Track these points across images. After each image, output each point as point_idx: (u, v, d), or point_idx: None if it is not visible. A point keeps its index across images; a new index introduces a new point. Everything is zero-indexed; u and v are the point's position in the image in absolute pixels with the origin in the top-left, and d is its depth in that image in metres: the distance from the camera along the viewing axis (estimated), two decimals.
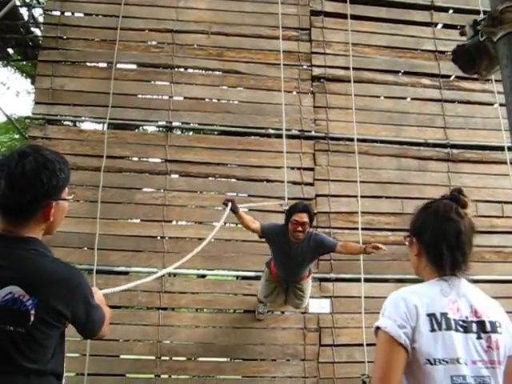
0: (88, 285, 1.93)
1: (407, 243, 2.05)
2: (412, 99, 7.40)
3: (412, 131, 7.14)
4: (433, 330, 1.71)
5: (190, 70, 7.17)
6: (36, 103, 6.66)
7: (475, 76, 2.40)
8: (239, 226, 6.83)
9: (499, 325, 1.79)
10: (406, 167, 6.99)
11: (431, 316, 1.72)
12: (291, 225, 4.75)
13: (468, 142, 7.22)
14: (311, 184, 6.73)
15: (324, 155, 6.84)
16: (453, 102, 7.42)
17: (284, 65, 6.99)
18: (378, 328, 1.76)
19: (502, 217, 6.97)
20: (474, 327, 1.75)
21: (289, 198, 6.42)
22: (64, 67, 6.78)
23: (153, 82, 7.02)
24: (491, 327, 1.76)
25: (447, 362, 1.68)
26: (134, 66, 7.09)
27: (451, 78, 7.53)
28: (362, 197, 6.60)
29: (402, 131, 7.12)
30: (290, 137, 6.82)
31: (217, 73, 7.10)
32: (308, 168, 6.77)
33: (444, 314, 1.73)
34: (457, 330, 1.72)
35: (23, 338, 1.72)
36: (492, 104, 7.40)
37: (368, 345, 5.97)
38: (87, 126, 8.23)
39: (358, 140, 6.81)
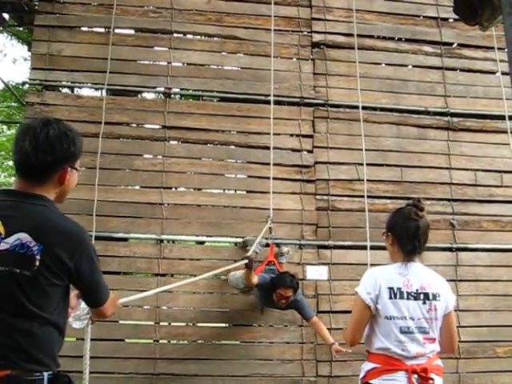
0: (92, 244, 2.08)
1: (384, 237, 3.03)
2: (413, 67, 7.33)
3: (412, 99, 7.09)
4: (390, 298, 2.73)
5: (188, 36, 7.10)
6: (33, 69, 6.57)
7: (477, 27, 2.36)
8: (238, 192, 6.85)
9: (438, 295, 2.79)
10: (405, 135, 6.95)
11: (390, 289, 2.74)
12: (275, 295, 5.16)
13: (468, 111, 7.17)
14: (310, 151, 6.71)
15: (323, 122, 6.80)
16: (454, 70, 7.35)
17: (284, 31, 6.93)
18: (356, 293, 2.83)
19: (501, 186, 6.96)
20: (422, 296, 2.76)
21: (287, 165, 6.44)
22: (61, 32, 6.68)
23: (151, 48, 6.94)
24: (433, 297, 2.77)
25: (398, 318, 2.72)
26: (132, 32, 6.99)
27: (453, 46, 7.45)
28: (361, 164, 6.59)
29: (402, 99, 7.06)
30: (289, 103, 6.78)
31: (216, 39, 7.01)
32: (307, 135, 6.74)
33: (399, 288, 2.75)
34: (408, 299, 2.73)
35: (29, 281, 1.88)
36: (494, 72, 7.34)
37: None
38: (85, 91, 8.15)
39: (357, 107, 6.77)
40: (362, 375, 2.81)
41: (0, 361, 1.84)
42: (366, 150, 6.52)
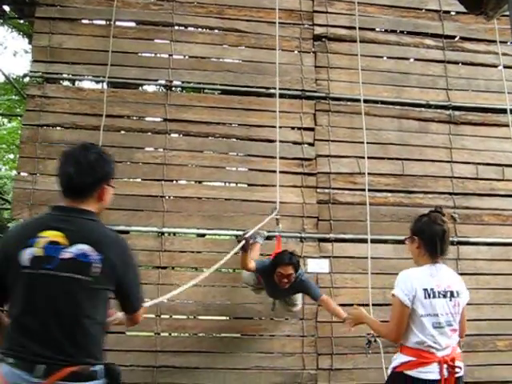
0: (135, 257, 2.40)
1: (408, 242, 3.32)
2: (415, 60, 7.30)
3: (414, 92, 7.07)
4: (425, 298, 3.07)
5: (190, 29, 7.06)
6: (34, 61, 6.55)
7: (479, 19, 2.34)
8: (239, 185, 6.84)
9: (460, 292, 3.20)
10: (407, 128, 6.94)
11: (425, 290, 3.08)
12: (276, 276, 4.98)
13: (470, 104, 7.16)
14: (311, 144, 6.70)
15: (325, 115, 6.79)
16: (456, 63, 7.32)
17: (285, 23, 6.91)
18: (393, 295, 3.11)
19: (503, 180, 6.96)
20: (448, 294, 3.13)
21: (289, 158, 6.43)
22: (62, 24, 6.65)
23: (152, 41, 6.92)
24: (456, 294, 3.16)
25: (431, 315, 3.07)
26: (133, 24, 6.97)
27: (455, 39, 7.42)
28: (362, 158, 6.58)
29: (403, 92, 7.05)
30: (290, 96, 6.77)
31: (217, 31, 6.99)
32: (308, 128, 6.73)
33: (432, 289, 3.09)
34: (439, 297, 3.09)
35: (88, 286, 2.13)
36: (496, 66, 7.32)
37: (367, 305, 6.03)
38: (86, 84, 8.12)
39: (360, 100, 6.76)
40: (395, 365, 3.13)
41: (65, 357, 2.07)
42: (367, 143, 6.50)
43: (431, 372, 3.02)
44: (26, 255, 2.15)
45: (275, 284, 5.10)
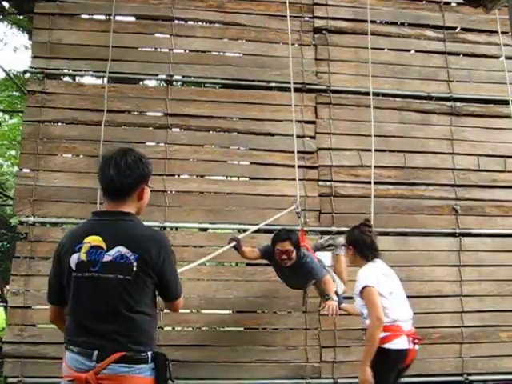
0: (171, 247, 2.55)
1: (346, 250, 4.33)
2: (416, 51, 7.28)
3: (415, 84, 7.06)
4: (385, 280, 3.84)
5: (190, 23, 7.05)
6: (34, 57, 6.54)
7: (480, 10, 2.34)
8: (241, 179, 6.85)
9: (396, 276, 4.05)
10: (408, 120, 6.93)
11: (383, 274, 3.87)
12: (276, 254, 4.96)
13: (471, 96, 7.15)
14: (313, 137, 6.70)
15: (326, 108, 6.78)
16: (457, 54, 7.31)
17: (285, 16, 6.85)
18: (366, 286, 3.73)
19: (505, 171, 6.95)
20: (394, 275, 4.03)
21: (290, 152, 6.42)
22: (61, 20, 6.63)
23: (152, 35, 6.90)
24: (396, 276, 4.04)
25: (392, 292, 3.82)
26: (133, 19, 6.94)
27: (456, 30, 7.40)
28: (364, 150, 6.58)
29: (404, 84, 7.03)
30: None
31: (217, 25, 6.97)
32: (310, 121, 6.72)
33: (386, 273, 3.92)
34: (393, 278, 3.97)
35: (130, 284, 2.37)
36: (497, 57, 7.29)
37: None
38: (87, 79, 8.12)
39: (361, 93, 6.75)
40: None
41: (115, 345, 2.34)
42: (368, 135, 6.49)
43: (402, 343, 3.73)
44: (74, 260, 2.43)
45: (282, 266, 5.08)
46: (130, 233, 2.46)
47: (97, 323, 2.38)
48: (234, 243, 4.96)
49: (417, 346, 3.83)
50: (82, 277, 2.42)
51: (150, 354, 2.42)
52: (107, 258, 2.40)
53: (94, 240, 2.43)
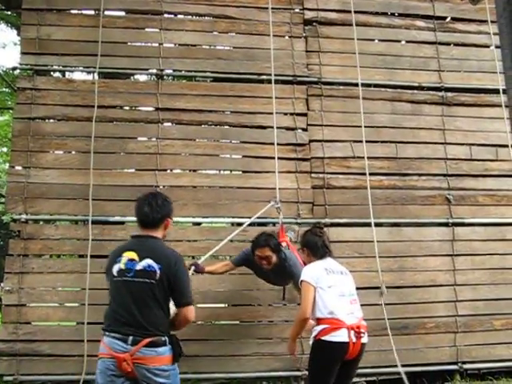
0: (184, 263, 3.42)
1: (300, 252, 4.58)
2: (406, 42, 7.28)
3: (406, 75, 7.05)
4: (327, 274, 4.02)
5: (179, 16, 7.02)
6: (23, 53, 6.49)
7: (467, 1, 2.33)
8: (234, 173, 6.84)
9: (346, 271, 4.21)
10: (399, 111, 6.93)
11: (325, 269, 4.05)
12: (255, 259, 5.02)
13: (463, 85, 7.15)
14: (305, 129, 6.69)
15: (317, 100, 6.77)
16: (448, 44, 7.30)
17: (275, 8, 6.84)
18: (302, 281, 4.03)
19: (497, 160, 6.97)
20: (342, 272, 4.18)
21: (282, 144, 6.41)
22: (50, 15, 6.58)
23: (142, 29, 6.86)
24: (345, 273, 4.20)
25: (335, 286, 3.98)
26: (122, 13, 6.90)
27: (446, 20, 7.40)
28: (356, 141, 6.58)
29: (395, 75, 7.02)
30: (282, 82, 6.74)
31: (207, 18, 6.94)
32: (301, 113, 6.71)
33: (330, 268, 4.10)
34: (336, 274, 4.11)
35: (155, 286, 3.22)
36: (488, 46, 7.29)
37: (362, 288, 6.06)
38: (77, 75, 8.09)
39: (352, 84, 6.75)
40: (314, 334, 3.94)
41: (145, 332, 3.15)
42: (360, 126, 6.49)
43: (341, 336, 3.83)
44: (115, 268, 3.31)
45: (263, 271, 5.15)
46: (155, 249, 3.36)
47: (130, 314, 3.19)
48: (193, 268, 4.99)
49: (364, 339, 3.93)
50: (121, 280, 3.28)
51: (167, 337, 3.25)
52: (139, 267, 3.27)
53: (130, 254, 3.33)
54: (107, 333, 3.23)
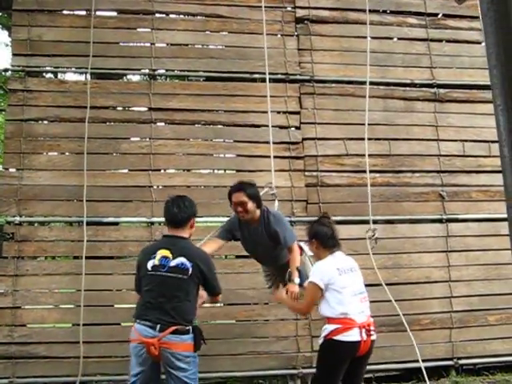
0: (212, 261, 3.97)
1: (308, 244, 4.38)
2: (398, 39, 7.29)
3: (398, 72, 7.07)
4: (339, 274, 3.92)
5: (171, 16, 7.02)
6: (14, 55, 6.46)
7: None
8: (227, 172, 6.84)
9: (357, 268, 4.13)
10: (392, 108, 6.95)
11: (337, 269, 3.94)
12: (233, 209, 4.69)
13: (455, 82, 7.17)
14: (298, 127, 6.70)
15: (310, 98, 6.77)
16: (439, 41, 7.32)
17: (267, 7, 6.82)
18: (310, 282, 3.98)
19: (489, 156, 6.98)
20: (353, 269, 4.06)
21: (275, 143, 6.41)
22: (41, 16, 6.56)
23: (134, 29, 6.84)
24: (355, 269, 4.12)
25: (347, 287, 3.91)
26: (113, 13, 6.89)
27: (438, 17, 7.41)
28: (348, 139, 6.59)
29: (387, 72, 7.03)
30: (274, 80, 6.74)
31: (199, 17, 6.93)
32: (294, 112, 6.71)
33: (342, 267, 3.97)
34: (347, 272, 3.97)
35: (186, 281, 3.72)
36: (479, 42, 7.31)
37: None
38: (69, 76, 8.06)
39: (344, 82, 6.75)
40: (325, 334, 3.90)
41: (172, 320, 3.61)
42: (353, 124, 6.51)
43: (353, 335, 3.82)
44: (150, 264, 3.76)
45: (249, 232, 4.75)
46: (188, 249, 3.84)
47: (160, 305, 3.64)
48: None
49: (373, 337, 3.92)
50: (154, 274, 3.73)
51: (191, 327, 3.69)
52: (172, 263, 3.73)
53: (165, 252, 3.78)
54: (138, 320, 3.69)
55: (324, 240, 4.07)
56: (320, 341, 3.96)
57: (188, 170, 6.73)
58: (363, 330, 3.84)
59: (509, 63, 1.64)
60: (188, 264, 3.70)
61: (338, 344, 3.81)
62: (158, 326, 3.58)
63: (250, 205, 4.57)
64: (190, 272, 3.70)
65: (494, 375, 6.35)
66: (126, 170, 6.52)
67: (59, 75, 8.08)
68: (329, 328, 3.87)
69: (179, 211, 3.89)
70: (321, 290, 3.91)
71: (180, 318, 3.63)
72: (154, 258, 3.75)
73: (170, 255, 3.74)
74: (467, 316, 6.51)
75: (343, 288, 3.88)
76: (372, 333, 3.91)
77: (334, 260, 4.02)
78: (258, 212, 4.66)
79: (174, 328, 3.59)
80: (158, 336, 3.56)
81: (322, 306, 3.96)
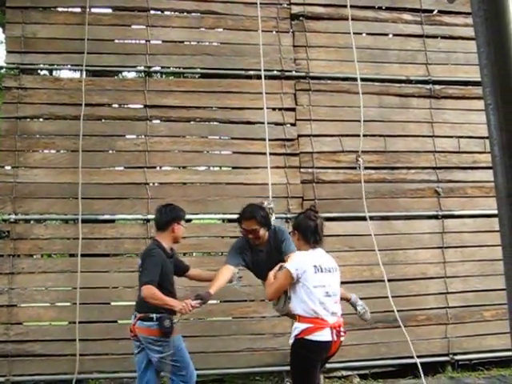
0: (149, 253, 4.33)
1: (291, 235, 4.26)
2: (393, 35, 7.29)
3: (393, 68, 7.06)
4: (315, 272, 3.77)
5: (166, 13, 6.98)
6: (8, 52, 6.45)
7: None
8: (223, 168, 6.84)
9: (337, 268, 3.95)
10: (387, 105, 6.95)
11: (314, 266, 3.79)
12: (243, 234, 4.59)
13: (450, 78, 7.17)
14: (293, 124, 6.69)
15: (305, 95, 6.76)
16: (435, 37, 7.31)
17: (262, 3, 6.81)
18: (285, 267, 3.86)
19: (485, 152, 6.97)
20: (332, 270, 3.88)
21: (271, 140, 6.40)
22: (35, 13, 6.54)
23: (129, 26, 6.81)
24: (335, 269, 3.92)
25: (321, 286, 3.76)
26: (108, 10, 6.87)
27: (433, 13, 7.40)
28: (344, 136, 6.59)
29: (383, 68, 7.03)
30: (270, 77, 6.72)
31: (194, 14, 6.91)
32: (289, 108, 6.71)
33: (320, 265, 3.81)
34: (325, 272, 3.82)
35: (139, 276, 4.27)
36: (475, 39, 7.28)
37: (355, 282, 6.09)
38: (63, 74, 8.04)
39: (339, 78, 6.75)
40: (296, 333, 3.75)
41: (139, 309, 4.22)
42: (348, 120, 6.51)
43: (325, 335, 3.72)
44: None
45: (257, 254, 4.65)
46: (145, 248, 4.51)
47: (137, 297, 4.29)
48: (198, 301, 4.23)
49: (342, 338, 3.84)
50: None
51: (155, 315, 4.09)
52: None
53: None
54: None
55: (306, 233, 3.93)
56: (291, 341, 3.83)
57: (184, 167, 6.72)
58: (334, 331, 3.75)
59: (499, 62, 1.65)
60: (139, 261, 4.33)
61: (309, 343, 3.71)
62: (134, 315, 4.28)
63: (262, 231, 4.50)
64: (140, 267, 4.25)
65: (489, 370, 6.37)
66: (121, 168, 6.50)
67: (54, 73, 8.05)
68: (300, 327, 3.76)
69: (160, 217, 4.39)
70: (292, 279, 3.77)
71: (145, 307, 4.08)
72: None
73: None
74: (463, 312, 6.53)
75: (315, 287, 3.75)
76: (342, 334, 3.84)
77: (315, 255, 3.87)
78: (266, 234, 4.59)
79: (139, 315, 4.18)
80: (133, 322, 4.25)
81: (293, 303, 3.84)
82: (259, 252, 4.66)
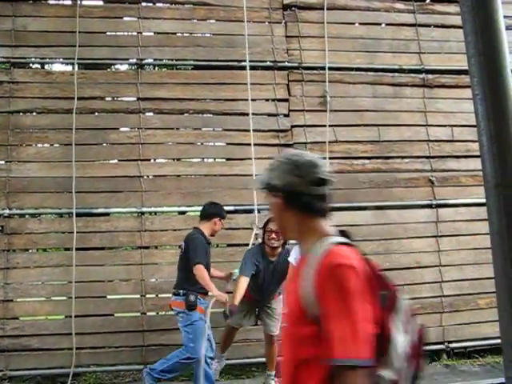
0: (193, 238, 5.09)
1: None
2: (386, 25, 7.26)
3: (386, 58, 7.04)
4: None
5: (158, 4, 6.94)
6: None
7: None
8: (217, 160, 6.83)
9: None
10: (381, 94, 6.94)
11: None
12: (266, 234, 4.99)
13: (443, 67, 7.16)
14: (286, 115, 6.68)
15: (298, 85, 6.75)
16: (427, 26, 7.29)
17: None
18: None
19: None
20: None
21: (264, 130, 6.40)
22: (25, 6, 6.50)
23: (120, 19, 6.78)
24: None
25: None
26: (99, 3, 6.84)
27: (426, 2, 7.38)
28: (337, 126, 6.58)
29: (376, 58, 7.01)
30: (263, 68, 6.71)
31: (186, 6, 6.87)
32: (282, 99, 6.70)
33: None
34: None
35: (181, 258, 5.14)
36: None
37: None
38: (55, 67, 7.99)
39: (332, 68, 6.74)
40: None
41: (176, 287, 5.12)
42: (342, 110, 6.49)
43: None
44: None
45: (267, 265, 5.08)
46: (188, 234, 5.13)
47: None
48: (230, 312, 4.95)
49: None
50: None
51: (181, 291, 4.99)
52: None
53: None
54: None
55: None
56: None
57: (178, 160, 6.70)
58: None
59: (487, 52, 1.65)
60: (183, 244, 5.00)
61: None
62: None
63: (282, 239, 4.93)
64: (182, 250, 5.00)
65: (484, 358, 6.41)
66: (115, 161, 6.49)
67: (46, 66, 8.00)
68: None
69: (208, 208, 5.19)
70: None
71: (176, 285, 5.07)
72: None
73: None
74: (458, 300, 6.56)
75: None
76: None
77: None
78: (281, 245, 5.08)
79: (173, 291, 5.08)
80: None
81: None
82: (270, 263, 5.13)
